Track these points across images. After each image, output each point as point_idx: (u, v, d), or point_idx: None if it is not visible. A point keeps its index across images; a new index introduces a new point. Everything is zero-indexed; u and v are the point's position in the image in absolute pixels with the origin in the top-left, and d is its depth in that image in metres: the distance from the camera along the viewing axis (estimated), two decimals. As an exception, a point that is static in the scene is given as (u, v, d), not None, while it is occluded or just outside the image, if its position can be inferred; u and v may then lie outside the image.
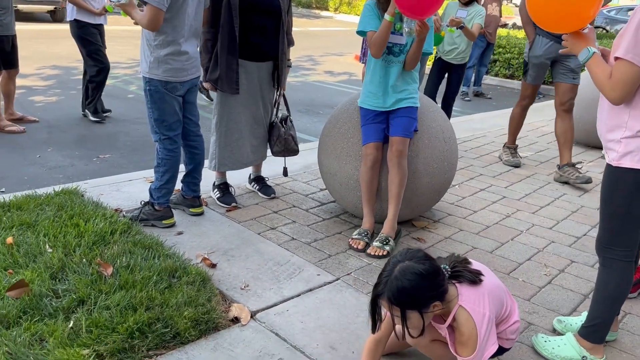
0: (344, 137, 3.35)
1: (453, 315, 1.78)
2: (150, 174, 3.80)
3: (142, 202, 3.32)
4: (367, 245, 3.15)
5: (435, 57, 5.30)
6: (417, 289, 1.70)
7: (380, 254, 3.08)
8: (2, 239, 2.79)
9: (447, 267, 1.84)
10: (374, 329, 1.89)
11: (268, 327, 2.37)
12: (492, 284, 1.89)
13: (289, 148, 3.75)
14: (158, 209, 3.24)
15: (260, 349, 2.21)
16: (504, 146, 5.14)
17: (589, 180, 4.38)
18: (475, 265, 1.92)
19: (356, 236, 3.20)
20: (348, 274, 2.88)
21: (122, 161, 4.82)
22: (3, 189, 3.99)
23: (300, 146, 3.92)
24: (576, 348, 2.20)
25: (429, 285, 1.72)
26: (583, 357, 2.20)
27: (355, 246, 3.14)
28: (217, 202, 3.69)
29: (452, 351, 1.81)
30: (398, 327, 1.82)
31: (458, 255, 1.92)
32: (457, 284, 1.81)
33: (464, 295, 1.78)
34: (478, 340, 1.74)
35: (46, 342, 2.09)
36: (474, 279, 1.83)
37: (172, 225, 3.28)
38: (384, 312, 1.83)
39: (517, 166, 4.98)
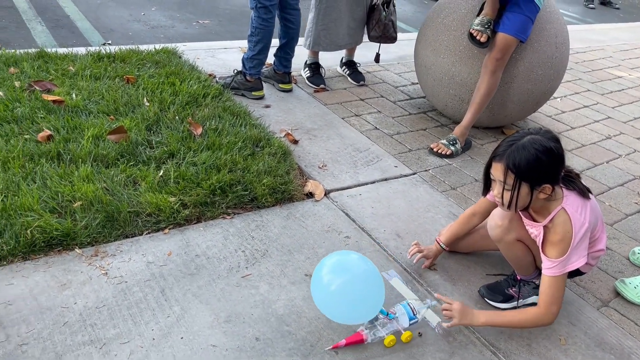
0: (446, 28, 3.15)
1: (553, 215, 1.75)
2: (245, 44, 3.83)
3: (235, 71, 3.38)
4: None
5: None
6: (540, 162, 1.66)
7: (444, 152, 3.00)
8: (107, 86, 2.98)
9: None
10: (485, 192, 1.89)
11: (340, 207, 2.44)
12: (595, 204, 1.83)
13: (387, 34, 3.61)
14: (249, 79, 3.30)
15: (329, 225, 2.31)
16: None
17: None
18: None
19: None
20: (426, 170, 2.86)
21: (220, 29, 4.87)
22: (109, 42, 4.19)
23: (399, 35, 3.75)
24: None
25: (550, 164, 1.68)
26: None
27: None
28: (307, 81, 3.69)
29: (540, 251, 1.79)
30: (494, 197, 1.79)
31: (573, 169, 1.86)
32: (564, 189, 1.77)
33: (569, 199, 1.74)
34: (571, 244, 1.70)
35: (139, 185, 2.28)
36: (584, 191, 1.79)
37: (261, 97, 3.35)
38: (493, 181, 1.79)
39: None
